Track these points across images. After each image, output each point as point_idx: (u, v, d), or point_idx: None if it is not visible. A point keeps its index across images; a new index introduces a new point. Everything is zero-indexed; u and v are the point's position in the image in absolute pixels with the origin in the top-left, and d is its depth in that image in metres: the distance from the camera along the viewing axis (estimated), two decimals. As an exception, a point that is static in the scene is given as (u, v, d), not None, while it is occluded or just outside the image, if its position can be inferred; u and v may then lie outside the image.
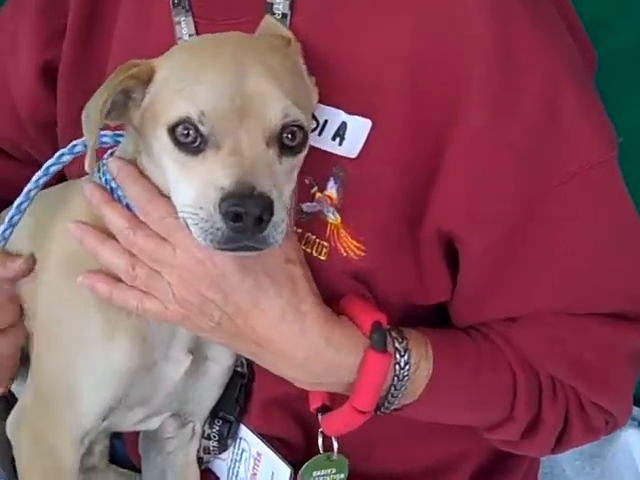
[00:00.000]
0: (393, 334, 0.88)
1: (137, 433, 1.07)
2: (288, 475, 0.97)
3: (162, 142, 0.80)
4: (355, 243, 0.87)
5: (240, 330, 0.85)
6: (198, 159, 0.78)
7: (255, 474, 0.99)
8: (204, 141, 0.77)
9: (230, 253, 0.79)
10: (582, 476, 1.39)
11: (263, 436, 0.99)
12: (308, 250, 0.88)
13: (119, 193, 0.87)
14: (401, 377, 0.87)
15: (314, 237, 0.88)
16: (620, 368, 0.95)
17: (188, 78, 0.79)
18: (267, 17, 0.89)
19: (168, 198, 0.84)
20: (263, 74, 0.79)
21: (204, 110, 0.76)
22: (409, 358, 0.87)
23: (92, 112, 0.82)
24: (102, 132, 0.92)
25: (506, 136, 0.83)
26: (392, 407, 0.90)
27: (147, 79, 0.82)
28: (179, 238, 0.83)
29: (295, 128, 0.79)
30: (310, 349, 0.85)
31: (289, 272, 0.85)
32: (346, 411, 0.88)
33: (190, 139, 0.78)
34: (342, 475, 0.98)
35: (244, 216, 0.74)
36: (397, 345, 0.87)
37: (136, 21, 1.01)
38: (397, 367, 0.87)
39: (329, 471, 0.98)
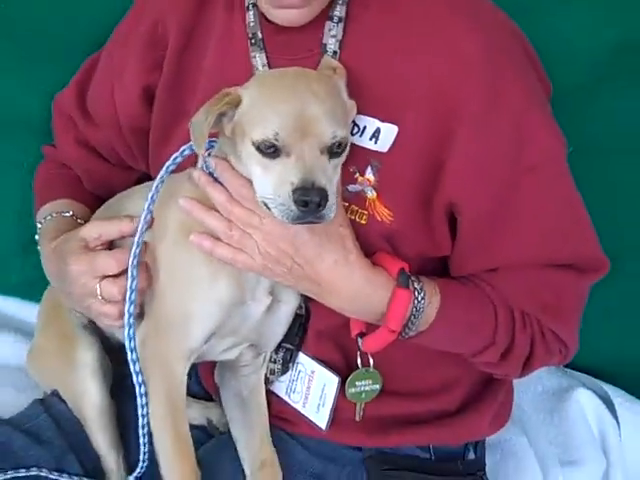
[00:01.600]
0: (412, 278, 1.20)
1: (211, 369, 1.38)
2: (336, 384, 1.28)
3: (249, 150, 1.12)
4: (387, 211, 1.20)
5: (306, 274, 1.18)
6: (275, 162, 1.10)
7: (309, 387, 1.30)
8: (278, 150, 1.09)
9: (299, 226, 1.12)
10: (545, 424, 1.68)
11: (315, 359, 1.31)
12: (352, 217, 1.20)
13: (219, 180, 1.20)
14: (418, 308, 1.19)
15: (357, 208, 1.21)
16: (570, 305, 1.27)
17: (265, 107, 1.11)
18: (325, 57, 1.20)
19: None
20: (317, 103, 1.10)
21: (278, 132, 1.08)
22: (424, 295, 1.19)
23: (198, 127, 1.13)
24: None
25: (491, 139, 1.16)
26: (411, 332, 1.20)
27: (237, 103, 1.14)
28: (265, 210, 1.15)
29: (339, 142, 1.12)
30: (355, 287, 1.18)
31: (341, 233, 1.18)
32: (381, 332, 1.20)
33: (270, 150, 1.09)
34: (377, 386, 1.28)
35: (309, 202, 1.06)
36: (415, 285, 1.19)
37: (220, 56, 1.29)
38: (415, 301, 1.18)
39: (367, 382, 1.28)
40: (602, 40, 1.55)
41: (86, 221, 1.40)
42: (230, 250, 1.18)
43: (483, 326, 1.24)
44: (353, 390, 1.28)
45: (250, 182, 1.16)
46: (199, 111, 1.15)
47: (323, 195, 1.07)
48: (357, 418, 1.30)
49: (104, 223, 1.27)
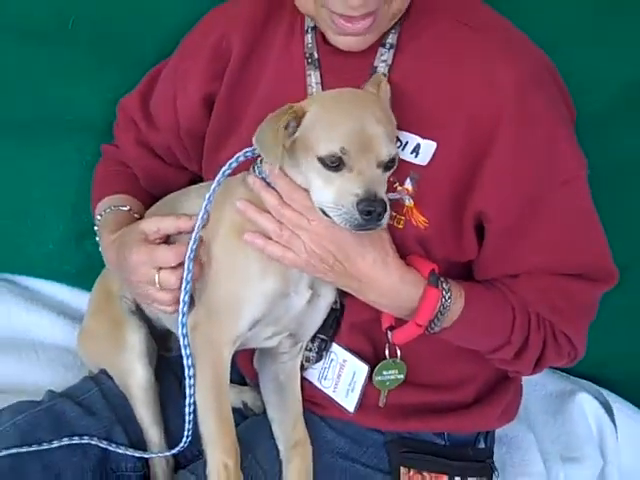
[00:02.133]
0: (441, 279, 1.32)
1: (249, 356, 1.49)
2: (366, 372, 1.40)
3: (312, 163, 1.23)
4: (422, 218, 1.32)
5: (347, 271, 1.30)
6: (337, 175, 1.22)
7: (340, 375, 1.42)
8: (342, 164, 1.21)
9: (361, 232, 1.23)
10: (549, 424, 1.81)
11: (347, 349, 1.43)
12: (391, 222, 1.30)
13: (271, 185, 1.31)
14: (445, 306, 1.30)
15: (395, 214, 1.32)
16: (581, 311, 1.38)
17: (329, 124, 1.23)
18: (377, 73, 1.32)
19: (304, 191, 1.28)
20: (376, 122, 1.23)
21: (344, 147, 1.21)
22: (451, 295, 1.31)
23: (266, 137, 1.24)
24: (253, 147, 1.33)
25: (522, 157, 1.28)
26: (437, 328, 1.32)
27: (300, 117, 1.25)
28: (313, 213, 1.27)
29: (392, 158, 1.25)
30: (390, 284, 1.30)
31: (380, 236, 1.30)
32: (410, 326, 1.33)
33: (334, 164, 1.21)
34: (401, 376, 1.40)
35: (372, 212, 1.19)
36: (444, 285, 1.31)
37: (277, 73, 1.40)
38: (443, 300, 1.30)
39: (394, 372, 1.40)
40: (619, 74, 1.68)
41: (141, 216, 1.53)
42: (279, 248, 1.30)
43: (501, 327, 1.35)
44: (379, 378, 1.40)
45: (300, 188, 1.28)
46: (263, 124, 1.25)
47: (384, 206, 1.21)
48: (381, 404, 1.43)
49: (163, 219, 1.38)
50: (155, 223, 1.39)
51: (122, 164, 1.65)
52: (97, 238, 1.54)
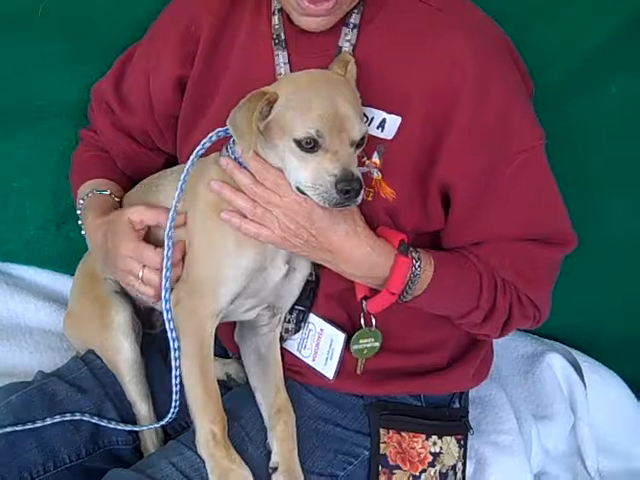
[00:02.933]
0: (411, 248, 1.38)
1: (230, 330, 1.55)
2: (343, 340, 1.46)
3: (288, 144, 1.28)
4: (390, 190, 1.38)
5: (320, 245, 1.35)
6: (312, 156, 1.27)
7: (318, 344, 1.49)
8: (317, 145, 1.26)
9: (338, 209, 1.29)
10: (520, 385, 1.89)
11: (324, 318, 1.49)
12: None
13: (243, 164, 1.37)
14: (415, 274, 1.37)
15: (365, 187, 1.33)
16: (543, 274, 1.45)
17: (304, 107, 1.27)
18: (343, 51, 1.37)
19: (276, 169, 1.33)
20: (347, 103, 1.28)
21: (319, 129, 1.26)
22: (420, 263, 1.37)
23: (240, 123, 1.27)
24: (225, 127, 1.38)
25: (480, 128, 1.34)
26: (409, 297, 1.38)
27: (273, 101, 1.29)
28: (285, 190, 1.33)
29: (363, 135, 1.30)
30: (362, 254, 1.36)
31: (350, 209, 1.34)
32: (383, 294, 1.39)
33: (309, 145, 1.27)
34: (377, 343, 1.46)
35: (351, 191, 1.25)
36: (414, 254, 1.37)
37: (245, 54, 1.45)
38: (413, 268, 1.37)
39: (370, 340, 1.46)
40: (574, 45, 1.74)
41: (121, 199, 1.58)
42: (254, 225, 1.35)
43: (470, 293, 1.42)
44: (356, 347, 1.47)
45: (272, 167, 1.33)
46: (236, 110, 1.29)
47: (361, 184, 1.27)
48: (358, 372, 1.49)
49: (146, 211, 1.44)
50: (138, 214, 1.44)
51: (100, 149, 1.69)
52: (79, 222, 1.59)
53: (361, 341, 1.47)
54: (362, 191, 1.27)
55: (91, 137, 1.71)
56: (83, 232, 1.58)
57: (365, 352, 1.48)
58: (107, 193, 1.58)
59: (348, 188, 1.25)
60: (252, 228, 1.36)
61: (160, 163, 1.67)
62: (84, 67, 1.75)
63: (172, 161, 1.66)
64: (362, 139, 1.31)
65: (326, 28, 1.38)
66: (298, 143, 1.28)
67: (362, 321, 1.46)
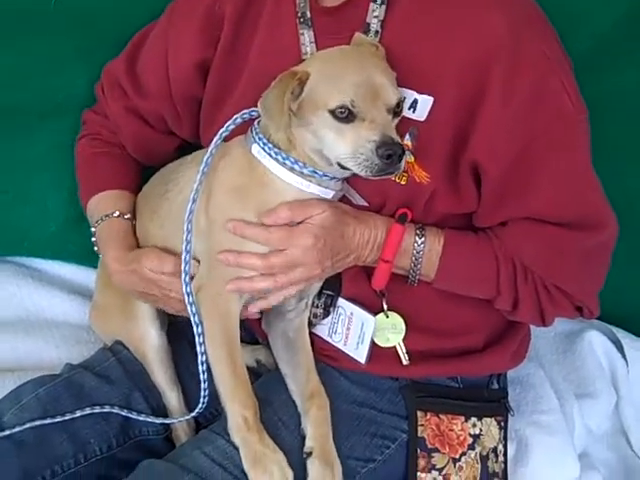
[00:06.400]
0: (416, 225, 1.36)
1: (260, 317, 1.51)
2: (373, 323, 1.43)
3: (323, 118, 1.25)
4: (424, 173, 1.34)
5: (342, 259, 1.36)
6: (350, 126, 1.24)
7: (349, 327, 1.45)
8: (353, 115, 1.24)
9: (381, 177, 1.25)
10: (559, 364, 1.83)
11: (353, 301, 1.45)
12: (393, 178, 1.32)
13: (268, 146, 1.33)
14: (418, 250, 1.36)
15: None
16: (572, 260, 1.37)
17: (337, 79, 1.26)
18: (357, 34, 1.34)
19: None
20: (380, 72, 1.27)
21: (353, 98, 1.24)
22: (425, 239, 1.36)
23: (272, 106, 1.26)
24: (251, 109, 1.39)
25: (512, 103, 1.28)
26: (417, 275, 1.37)
27: (305, 80, 1.27)
28: (296, 239, 1.30)
29: (399, 101, 1.28)
30: (371, 236, 1.36)
31: (343, 209, 1.35)
32: (379, 265, 1.37)
33: (344, 115, 1.24)
34: (400, 327, 1.43)
35: (392, 155, 1.22)
36: (417, 231, 1.36)
37: (270, 34, 1.42)
38: (415, 244, 1.36)
39: (390, 325, 1.43)
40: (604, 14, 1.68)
41: (133, 213, 1.55)
42: (271, 282, 1.34)
43: (485, 274, 1.38)
44: (380, 335, 1.43)
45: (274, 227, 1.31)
46: (268, 92, 1.27)
47: (402, 149, 1.24)
48: (404, 362, 1.44)
49: (164, 262, 1.42)
50: (158, 266, 1.43)
51: (106, 142, 1.65)
52: (95, 248, 1.57)
53: (381, 329, 1.43)
54: (404, 156, 1.24)
55: (94, 120, 1.67)
56: (96, 248, 1.56)
57: (390, 339, 1.44)
58: (116, 215, 1.54)
59: (390, 152, 1.22)
60: (267, 285, 1.35)
61: (172, 147, 1.64)
62: (101, 61, 1.71)
63: (184, 146, 1.63)
64: (398, 105, 1.27)
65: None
66: (333, 113, 1.25)
67: (384, 306, 1.43)
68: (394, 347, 1.45)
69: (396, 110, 1.28)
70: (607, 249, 1.41)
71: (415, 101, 1.33)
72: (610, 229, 1.37)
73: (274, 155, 1.32)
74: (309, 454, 1.35)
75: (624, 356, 1.85)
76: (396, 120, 1.29)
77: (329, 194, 1.35)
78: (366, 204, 1.39)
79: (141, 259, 1.43)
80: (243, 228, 1.33)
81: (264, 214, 1.32)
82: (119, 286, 1.51)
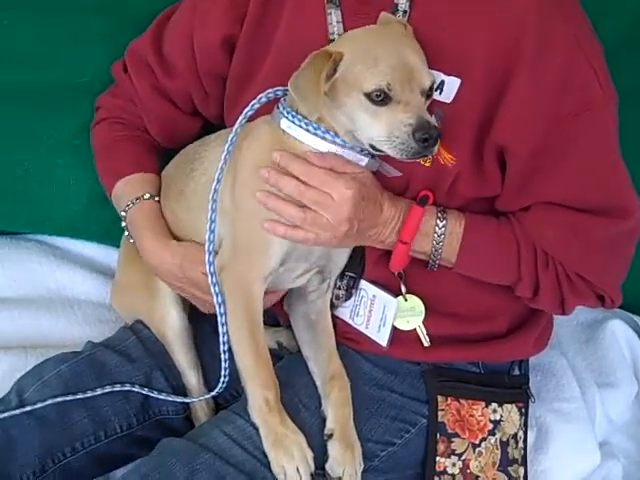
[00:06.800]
0: (438, 208, 1.35)
1: (281, 298, 1.51)
2: (395, 304, 1.42)
3: (357, 100, 1.24)
4: (449, 155, 1.33)
5: (367, 226, 1.33)
6: (385, 108, 1.24)
7: (371, 310, 1.44)
8: (388, 98, 1.23)
9: (415, 159, 1.25)
10: (581, 353, 1.81)
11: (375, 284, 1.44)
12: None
13: (297, 123, 1.32)
14: (440, 234, 1.35)
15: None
16: (595, 248, 1.35)
17: (371, 60, 1.24)
18: (383, 13, 1.33)
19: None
20: (414, 53, 1.26)
21: (389, 82, 1.23)
22: (446, 222, 1.35)
23: (306, 87, 1.25)
24: (276, 88, 1.39)
25: (540, 86, 1.27)
26: (436, 262, 1.37)
27: (338, 60, 1.25)
28: (332, 185, 1.28)
29: (432, 85, 1.27)
30: (395, 213, 1.35)
31: (376, 184, 1.34)
32: (396, 247, 1.36)
33: (380, 98, 1.24)
34: (420, 309, 1.42)
35: (429, 138, 1.22)
36: (439, 214, 1.35)
37: (296, 13, 1.40)
38: (437, 227, 1.35)
39: (409, 308, 1.42)
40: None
41: (158, 191, 1.54)
42: (301, 232, 1.32)
43: (506, 258, 1.37)
44: (399, 319, 1.43)
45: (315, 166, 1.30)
46: (300, 72, 1.26)
47: (438, 132, 1.23)
48: (425, 344, 1.43)
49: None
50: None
51: (127, 126, 1.63)
52: (126, 233, 1.56)
53: (402, 313, 1.43)
54: (439, 138, 1.24)
55: (114, 104, 1.65)
56: (132, 240, 1.55)
57: (409, 322, 1.44)
58: (147, 197, 1.53)
59: (426, 136, 1.22)
60: (299, 235, 1.32)
61: (196, 129, 1.64)
62: (125, 42, 1.69)
63: (208, 127, 1.62)
64: (431, 88, 1.27)
65: None
66: (368, 96, 1.24)
67: (403, 289, 1.42)
68: (415, 330, 1.45)
69: (429, 93, 1.27)
70: (632, 238, 1.39)
71: (442, 82, 1.32)
72: (636, 217, 1.35)
73: (305, 126, 1.31)
74: (330, 436, 1.35)
75: (647, 346, 1.83)
76: (428, 102, 1.28)
77: (363, 161, 1.33)
78: (400, 174, 1.36)
79: (195, 260, 1.41)
80: (286, 159, 1.31)
81: (310, 155, 1.31)
82: (154, 270, 1.50)
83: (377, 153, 1.29)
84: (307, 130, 1.31)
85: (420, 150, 1.23)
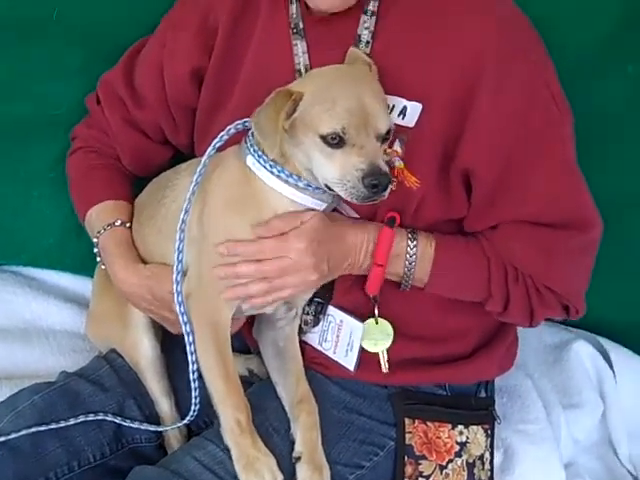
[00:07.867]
0: (408, 230, 1.39)
1: (250, 324, 1.54)
2: (361, 329, 1.45)
3: (313, 141, 1.27)
4: (414, 178, 1.36)
5: (340, 269, 1.39)
6: (339, 151, 1.26)
7: (339, 335, 1.47)
8: (343, 142, 1.26)
9: (365, 203, 1.28)
10: (546, 375, 1.84)
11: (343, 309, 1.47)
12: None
13: (262, 158, 1.35)
14: (411, 254, 1.39)
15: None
16: (560, 260, 1.40)
17: (329, 103, 1.26)
18: (351, 49, 1.36)
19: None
20: (373, 97, 1.28)
21: (344, 126, 1.25)
22: (417, 242, 1.39)
23: (265, 124, 1.28)
24: (245, 120, 1.40)
25: (502, 114, 1.32)
26: (409, 283, 1.40)
27: (299, 100, 1.28)
28: (290, 246, 1.32)
29: (389, 129, 1.30)
30: (361, 241, 1.39)
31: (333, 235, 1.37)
32: (372, 270, 1.39)
33: (335, 141, 1.26)
34: (389, 333, 1.45)
35: (379, 185, 1.25)
36: (409, 235, 1.39)
37: (263, 44, 1.44)
38: (408, 248, 1.38)
39: (379, 332, 1.44)
40: (590, 26, 1.72)
41: (130, 218, 1.57)
42: (279, 294, 1.37)
43: (477, 276, 1.41)
44: (367, 341, 1.45)
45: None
46: (261, 110, 1.30)
47: (389, 178, 1.27)
48: (384, 370, 1.46)
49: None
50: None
51: (102, 155, 1.66)
52: (98, 259, 1.58)
53: (370, 335, 1.46)
54: (390, 185, 1.27)
55: (89, 135, 1.68)
56: (103, 266, 1.57)
57: (378, 345, 1.46)
58: (118, 224, 1.55)
59: (375, 182, 1.25)
60: (277, 297, 1.38)
61: (167, 158, 1.67)
62: (100, 74, 1.73)
63: (179, 156, 1.66)
64: (388, 132, 1.30)
65: (340, 9, 1.36)
66: (324, 139, 1.27)
67: (376, 311, 1.45)
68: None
69: (385, 137, 1.30)
70: (593, 248, 1.45)
71: (404, 108, 1.36)
72: (596, 229, 1.41)
73: (269, 168, 1.35)
74: (298, 459, 1.37)
75: (611, 367, 1.87)
76: (384, 145, 1.31)
77: (322, 206, 1.37)
78: (357, 216, 1.41)
79: (162, 280, 1.44)
80: (235, 247, 1.35)
81: (256, 227, 1.35)
82: (125, 296, 1.53)
83: (332, 193, 1.32)
84: (271, 172, 1.34)
85: (370, 195, 1.26)
